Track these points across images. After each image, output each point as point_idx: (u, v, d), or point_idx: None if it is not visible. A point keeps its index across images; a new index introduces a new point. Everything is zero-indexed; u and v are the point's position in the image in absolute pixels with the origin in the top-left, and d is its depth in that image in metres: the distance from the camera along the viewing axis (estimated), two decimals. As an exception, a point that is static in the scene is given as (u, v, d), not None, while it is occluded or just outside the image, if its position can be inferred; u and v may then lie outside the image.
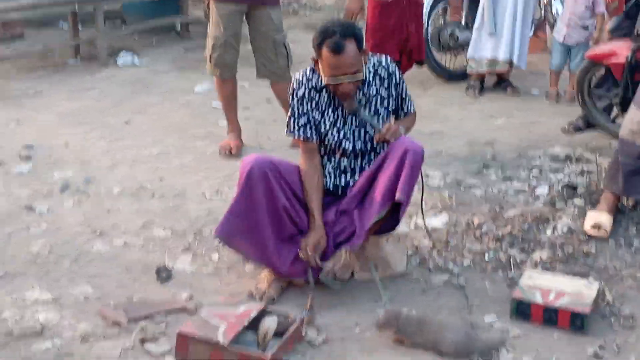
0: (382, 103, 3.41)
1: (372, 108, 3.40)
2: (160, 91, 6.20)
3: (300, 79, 3.40)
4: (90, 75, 6.51)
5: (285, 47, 4.82)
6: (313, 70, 3.39)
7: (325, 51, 3.21)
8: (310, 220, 3.34)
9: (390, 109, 3.44)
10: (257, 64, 4.88)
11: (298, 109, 3.40)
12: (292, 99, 3.41)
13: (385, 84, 3.42)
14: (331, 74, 3.24)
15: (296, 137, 3.42)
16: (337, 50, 3.18)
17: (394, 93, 3.44)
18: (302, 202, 3.36)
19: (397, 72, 3.44)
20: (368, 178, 3.33)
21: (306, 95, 3.38)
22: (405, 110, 3.49)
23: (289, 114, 3.43)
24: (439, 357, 2.92)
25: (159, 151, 4.97)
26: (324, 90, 3.38)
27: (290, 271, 3.30)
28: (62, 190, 4.32)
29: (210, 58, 4.83)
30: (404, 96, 3.47)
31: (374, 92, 3.40)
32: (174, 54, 7.22)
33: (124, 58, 6.92)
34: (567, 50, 6.01)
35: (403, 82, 3.47)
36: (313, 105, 3.39)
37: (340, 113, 3.40)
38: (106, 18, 7.23)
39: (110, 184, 4.43)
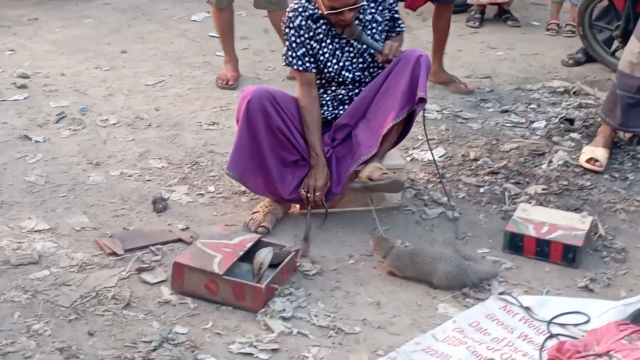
0: (377, 26, 3.40)
1: (369, 32, 3.38)
2: (157, 19, 6.09)
3: (296, 8, 3.33)
4: (86, 3, 6.38)
5: (283, -26, 4.73)
6: (309, 0, 3.33)
7: None
8: (312, 156, 3.34)
9: (384, 31, 3.45)
10: (255, -8, 4.80)
11: (295, 39, 3.34)
12: (289, 29, 3.34)
13: (380, 7, 3.40)
14: (333, 6, 3.20)
15: (295, 68, 3.38)
16: None
17: (387, 15, 3.44)
18: (300, 133, 3.35)
19: None
20: (372, 90, 3.36)
21: (303, 24, 3.32)
22: (398, 30, 3.50)
23: (286, 44, 3.38)
24: (431, 288, 2.95)
25: (156, 80, 4.92)
26: (321, 19, 3.33)
27: (293, 196, 3.33)
28: (58, 119, 4.29)
29: (206, -14, 4.75)
30: (396, 16, 3.48)
31: (370, 17, 3.38)
32: (171, -19, 7.10)
33: (120, -15, 6.80)
34: (570, -20, 5.91)
35: (396, 3, 3.46)
36: (311, 34, 3.34)
37: (338, 42, 3.37)
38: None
39: (106, 114, 4.40)
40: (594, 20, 5.08)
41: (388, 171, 3.28)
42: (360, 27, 3.34)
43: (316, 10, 3.31)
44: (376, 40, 3.39)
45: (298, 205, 3.44)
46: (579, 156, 3.93)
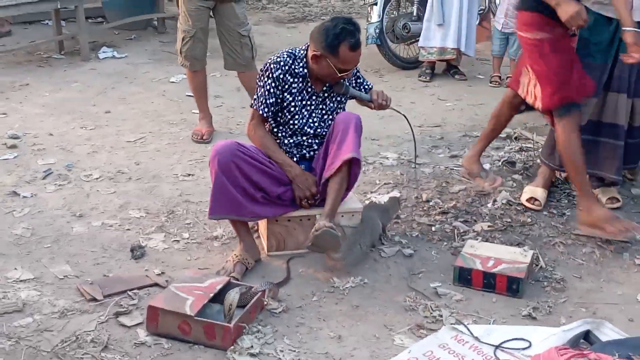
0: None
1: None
2: (139, 82, 6.08)
3: (278, 61, 3.33)
4: (73, 69, 6.37)
5: (250, 39, 4.74)
6: (292, 57, 3.33)
7: (344, 49, 3.21)
8: (287, 170, 3.32)
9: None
10: (225, 56, 4.80)
11: (271, 88, 3.32)
12: (266, 77, 3.32)
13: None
14: (345, 68, 3.26)
15: (260, 112, 3.35)
16: (357, 47, 3.24)
17: (353, 80, 3.47)
18: (272, 166, 3.33)
19: None
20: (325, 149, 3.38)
21: (281, 77, 3.31)
22: (368, 87, 3.52)
23: (260, 90, 3.35)
24: (387, 320, 2.91)
25: (137, 137, 4.89)
26: (298, 77, 3.33)
27: (285, 211, 3.34)
28: (45, 176, 4.23)
29: (180, 51, 4.75)
30: (361, 80, 3.52)
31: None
32: (151, 47, 7.09)
33: (104, 52, 6.79)
34: (506, 37, 6.00)
35: (358, 70, 3.50)
36: (286, 87, 3.33)
37: (314, 99, 3.38)
38: (87, 15, 7.08)
39: (90, 169, 4.34)
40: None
41: (325, 228, 3.10)
42: (347, 84, 3.37)
43: (297, 68, 3.32)
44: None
45: (266, 249, 3.40)
46: (520, 195, 3.93)
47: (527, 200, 3.87)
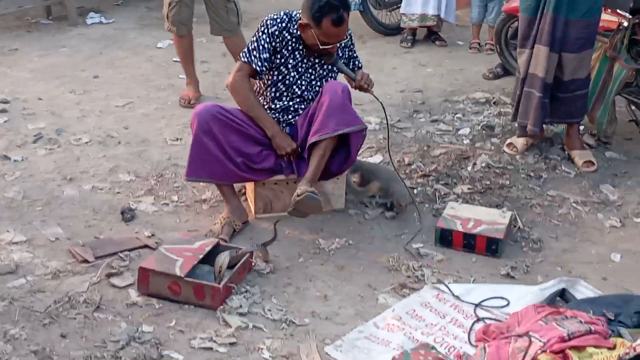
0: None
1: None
2: (127, 47, 5.93)
3: (275, 18, 3.25)
4: (62, 34, 6.20)
5: (235, 4, 4.63)
6: (289, 17, 3.25)
7: (327, 23, 3.12)
8: (267, 127, 3.26)
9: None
10: (210, 21, 4.70)
11: (265, 43, 3.23)
12: (262, 33, 3.24)
13: (342, 44, 3.34)
14: (328, 42, 3.17)
15: (252, 64, 3.24)
16: (341, 23, 3.14)
17: (347, 53, 3.41)
18: (252, 126, 3.26)
19: (351, 35, 3.42)
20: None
21: (277, 33, 3.23)
22: (358, 66, 3.46)
23: (254, 44, 3.25)
24: (372, 279, 2.90)
25: (125, 102, 4.79)
26: (296, 37, 3.25)
27: (269, 176, 3.28)
28: (35, 140, 4.14)
29: (167, 16, 4.63)
30: (355, 55, 3.45)
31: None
32: (138, 13, 6.91)
33: (92, 17, 6.62)
34: (485, 5, 5.91)
35: (354, 45, 3.44)
36: (283, 44, 3.25)
37: (306, 62, 3.30)
38: (75, -19, 6.90)
39: (80, 134, 4.25)
40: (509, 39, 5.08)
41: (307, 192, 3.05)
42: (337, 56, 3.29)
43: (292, 29, 3.24)
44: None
45: (254, 212, 3.36)
46: (499, 159, 3.91)
47: (506, 145, 4.00)
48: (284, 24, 3.24)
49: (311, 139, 3.16)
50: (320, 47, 3.18)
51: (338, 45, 3.29)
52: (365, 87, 3.34)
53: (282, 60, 3.27)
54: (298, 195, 3.06)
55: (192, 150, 3.17)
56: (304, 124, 3.30)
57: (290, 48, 3.27)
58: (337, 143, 3.18)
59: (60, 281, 2.82)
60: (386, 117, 3.56)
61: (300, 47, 3.28)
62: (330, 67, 3.34)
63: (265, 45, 3.24)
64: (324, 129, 3.12)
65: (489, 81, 5.25)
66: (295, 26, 3.24)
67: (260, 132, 3.28)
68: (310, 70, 3.33)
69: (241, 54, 3.30)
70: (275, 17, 3.26)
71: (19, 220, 3.28)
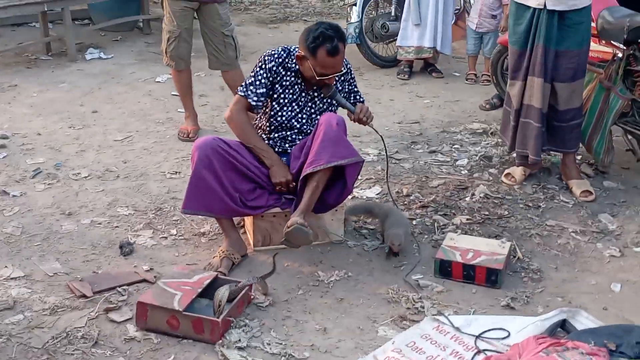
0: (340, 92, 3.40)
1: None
2: (125, 82, 5.99)
3: (272, 53, 3.30)
4: (61, 70, 6.26)
5: (233, 39, 4.69)
6: (286, 52, 3.30)
7: (322, 54, 3.15)
8: (265, 157, 3.28)
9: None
10: (209, 56, 4.75)
11: (262, 79, 3.29)
12: (260, 69, 3.29)
13: (342, 78, 3.39)
14: (324, 73, 3.20)
15: (249, 100, 3.28)
16: (336, 53, 3.17)
17: (347, 87, 3.43)
18: (253, 164, 3.27)
19: (351, 70, 3.44)
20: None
21: (274, 69, 3.28)
22: (359, 100, 3.47)
23: (251, 79, 3.31)
24: (371, 313, 2.88)
25: (124, 136, 4.82)
26: (294, 72, 3.29)
27: (264, 210, 3.29)
28: (34, 175, 4.15)
29: (165, 51, 4.69)
30: (355, 89, 3.48)
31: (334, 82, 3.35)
32: (137, 48, 6.99)
33: (91, 53, 6.68)
34: (480, 37, 5.98)
35: (354, 79, 3.47)
36: (278, 79, 3.29)
37: (304, 97, 3.33)
38: (74, 17, 6.97)
39: (78, 168, 4.27)
40: (505, 70, 5.13)
41: (296, 225, 3.05)
42: (335, 88, 3.32)
43: (290, 63, 3.28)
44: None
45: (252, 244, 3.36)
46: (497, 189, 3.93)
47: (504, 175, 4.03)
48: (280, 59, 3.28)
49: (305, 171, 3.17)
50: (317, 78, 3.21)
51: (337, 78, 3.32)
52: (364, 120, 3.35)
53: (277, 95, 3.30)
54: (288, 227, 3.07)
55: (191, 183, 3.18)
56: (299, 155, 3.31)
57: (286, 83, 3.30)
58: (332, 175, 3.19)
59: (58, 317, 2.81)
60: (385, 149, 3.58)
61: (299, 82, 3.31)
62: (330, 100, 3.37)
63: (262, 81, 3.28)
64: (318, 160, 3.13)
65: (485, 112, 5.29)
66: (294, 60, 3.28)
67: (258, 168, 3.29)
68: (310, 104, 3.36)
69: (239, 88, 3.35)
70: (273, 52, 3.30)
71: (17, 256, 3.27)
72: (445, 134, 4.86)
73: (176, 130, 4.85)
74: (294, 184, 3.29)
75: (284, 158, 3.37)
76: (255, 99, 3.29)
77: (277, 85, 3.30)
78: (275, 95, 3.31)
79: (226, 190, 3.18)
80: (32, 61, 6.51)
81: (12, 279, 3.07)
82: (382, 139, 3.53)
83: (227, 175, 3.19)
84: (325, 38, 3.15)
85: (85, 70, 6.26)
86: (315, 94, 3.35)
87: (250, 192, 3.26)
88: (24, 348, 2.61)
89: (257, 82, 3.29)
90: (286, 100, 3.32)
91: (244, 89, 3.31)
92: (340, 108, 3.42)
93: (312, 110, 3.36)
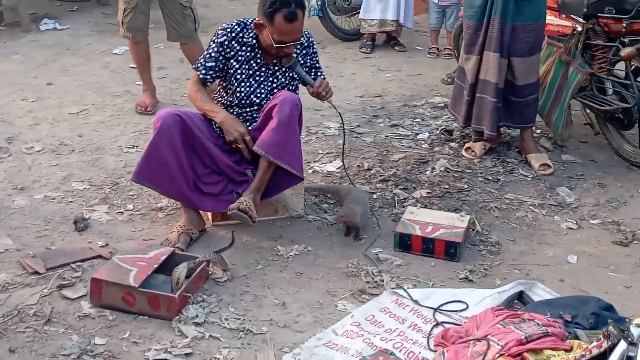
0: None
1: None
2: (81, 54, 5.83)
3: (226, 27, 3.23)
4: (14, 41, 6.07)
5: (192, 10, 4.58)
6: (242, 26, 3.22)
7: (279, 19, 3.07)
8: (214, 116, 3.22)
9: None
10: (167, 27, 4.63)
11: (212, 52, 3.23)
12: (213, 42, 3.24)
13: (304, 51, 3.31)
14: (282, 40, 3.11)
15: (199, 74, 3.25)
16: (293, 19, 3.09)
17: (308, 62, 3.35)
18: (212, 143, 3.21)
19: (313, 43, 3.36)
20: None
21: (226, 43, 3.21)
22: (320, 76, 3.38)
23: (205, 53, 3.27)
24: (330, 287, 2.87)
25: (79, 109, 4.69)
26: (248, 46, 3.22)
27: (213, 208, 3.22)
28: (-15, 149, 4.03)
29: (122, 22, 4.56)
30: (317, 65, 3.39)
31: (294, 56, 3.27)
32: (94, 19, 6.80)
33: (46, 24, 6.49)
34: (443, 10, 5.96)
35: (316, 54, 3.38)
36: (232, 54, 3.22)
37: (264, 71, 3.26)
38: (28, -14, 6.76)
39: (32, 142, 4.15)
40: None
41: (235, 210, 3.05)
42: (295, 59, 3.24)
43: (246, 37, 3.21)
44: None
45: (211, 219, 3.31)
46: (458, 162, 3.93)
47: (464, 149, 4.03)
48: (234, 34, 3.22)
49: (256, 147, 3.12)
50: (275, 46, 3.14)
51: (298, 51, 3.26)
52: (323, 94, 3.29)
53: (233, 70, 3.24)
54: (229, 210, 3.06)
55: (146, 152, 3.09)
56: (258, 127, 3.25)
57: (241, 58, 3.24)
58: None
59: (9, 294, 2.73)
60: (343, 126, 3.56)
61: (259, 55, 3.25)
62: (291, 74, 3.30)
63: (213, 55, 3.23)
64: (268, 147, 3.07)
65: (447, 86, 5.27)
66: (251, 34, 3.21)
67: (220, 151, 3.22)
68: (270, 79, 3.29)
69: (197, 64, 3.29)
70: (226, 26, 3.24)
71: (-34, 232, 3.18)
72: (407, 108, 4.84)
73: (134, 104, 4.75)
74: (249, 137, 3.21)
75: None
76: (203, 71, 3.24)
77: (232, 61, 3.23)
78: (231, 71, 3.24)
79: (182, 168, 3.10)
80: (-17, 32, 6.30)
81: (-39, 255, 2.99)
82: (340, 116, 3.50)
83: (187, 153, 3.12)
84: (283, 3, 3.07)
85: (40, 42, 6.09)
86: (277, 68, 3.29)
87: (206, 175, 3.20)
88: (-27, 326, 2.54)
89: (207, 56, 3.24)
90: (244, 76, 3.25)
91: (197, 62, 3.28)
92: (301, 85, 3.37)
93: (274, 85, 3.29)
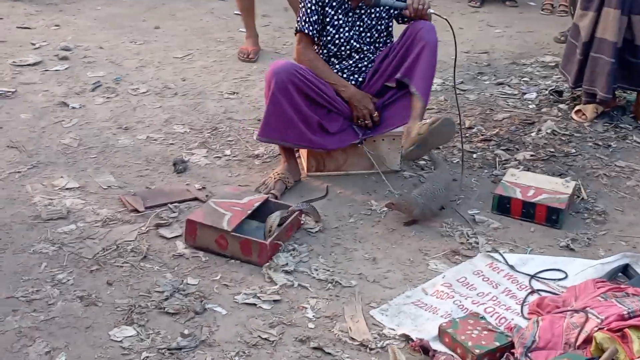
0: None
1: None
2: (188, -1, 5.92)
3: None
4: (125, -16, 6.22)
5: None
6: None
7: None
8: (342, 90, 3.19)
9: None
10: (272, -26, 4.60)
11: (311, 5, 3.16)
12: None
13: None
14: None
15: (305, 32, 3.18)
16: None
17: None
18: (324, 87, 3.18)
19: None
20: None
21: None
22: None
23: (302, 11, 3.20)
24: (423, 245, 2.81)
25: (184, 53, 4.77)
26: None
27: (340, 144, 3.22)
28: (94, 88, 4.16)
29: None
30: None
31: None
32: (202, -35, 6.88)
33: (156, -32, 6.60)
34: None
35: None
36: (326, 1, 3.15)
37: (351, 16, 3.19)
38: None
39: (137, 83, 4.26)
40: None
41: (442, 118, 3.03)
42: None
43: None
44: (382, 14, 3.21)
45: (306, 169, 3.30)
46: (566, 125, 3.73)
47: (575, 112, 3.81)
48: None
49: (403, 77, 3.12)
50: None
51: None
52: (420, 8, 3.09)
53: (329, 18, 3.17)
54: (433, 123, 2.97)
55: (268, 110, 3.08)
56: (370, 80, 3.22)
57: (335, 4, 3.16)
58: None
59: (110, 229, 2.83)
60: (453, 33, 3.23)
61: (346, 0, 3.16)
62: (377, 14, 3.20)
63: (313, 8, 3.16)
64: (417, 81, 3.10)
65: (560, 44, 4.99)
66: None
67: (333, 94, 3.19)
68: (358, 24, 3.21)
69: (296, 26, 3.22)
70: None
71: (73, 167, 3.30)
72: (515, 66, 4.63)
73: (236, 50, 4.77)
74: (376, 114, 3.19)
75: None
76: (310, 28, 3.17)
77: (327, 8, 3.16)
78: (328, 19, 3.17)
79: (304, 116, 3.09)
80: (97, -25, 6.47)
81: (67, 189, 3.11)
82: (449, 23, 3.16)
83: (305, 101, 3.10)
84: None
85: (149, -14, 6.19)
86: (362, 10, 3.20)
87: (325, 116, 3.19)
88: (75, 257, 2.65)
89: (307, 11, 3.17)
90: (341, 21, 3.18)
91: (299, 23, 3.20)
92: (391, 14, 3.23)
93: (361, 29, 3.21)
